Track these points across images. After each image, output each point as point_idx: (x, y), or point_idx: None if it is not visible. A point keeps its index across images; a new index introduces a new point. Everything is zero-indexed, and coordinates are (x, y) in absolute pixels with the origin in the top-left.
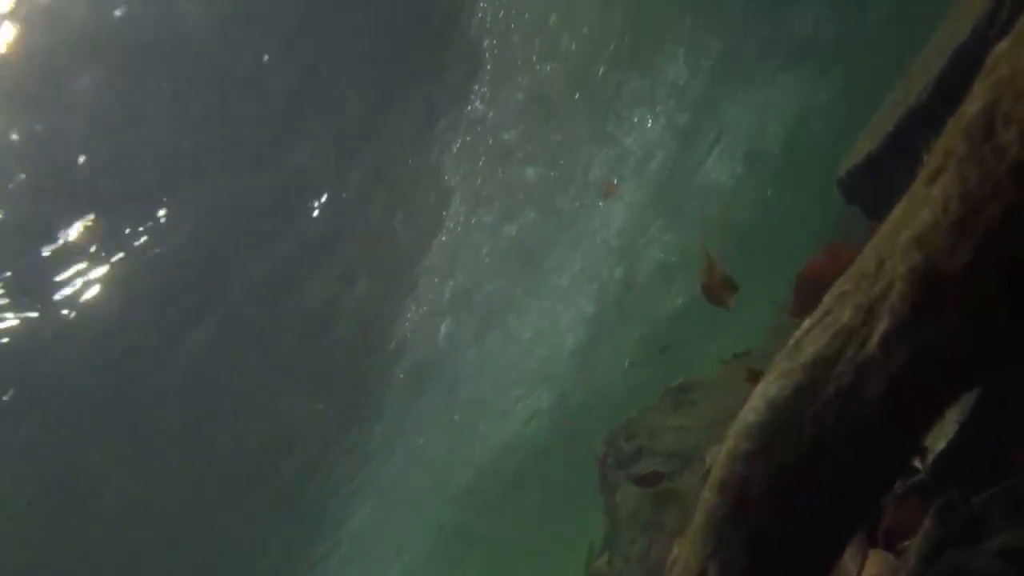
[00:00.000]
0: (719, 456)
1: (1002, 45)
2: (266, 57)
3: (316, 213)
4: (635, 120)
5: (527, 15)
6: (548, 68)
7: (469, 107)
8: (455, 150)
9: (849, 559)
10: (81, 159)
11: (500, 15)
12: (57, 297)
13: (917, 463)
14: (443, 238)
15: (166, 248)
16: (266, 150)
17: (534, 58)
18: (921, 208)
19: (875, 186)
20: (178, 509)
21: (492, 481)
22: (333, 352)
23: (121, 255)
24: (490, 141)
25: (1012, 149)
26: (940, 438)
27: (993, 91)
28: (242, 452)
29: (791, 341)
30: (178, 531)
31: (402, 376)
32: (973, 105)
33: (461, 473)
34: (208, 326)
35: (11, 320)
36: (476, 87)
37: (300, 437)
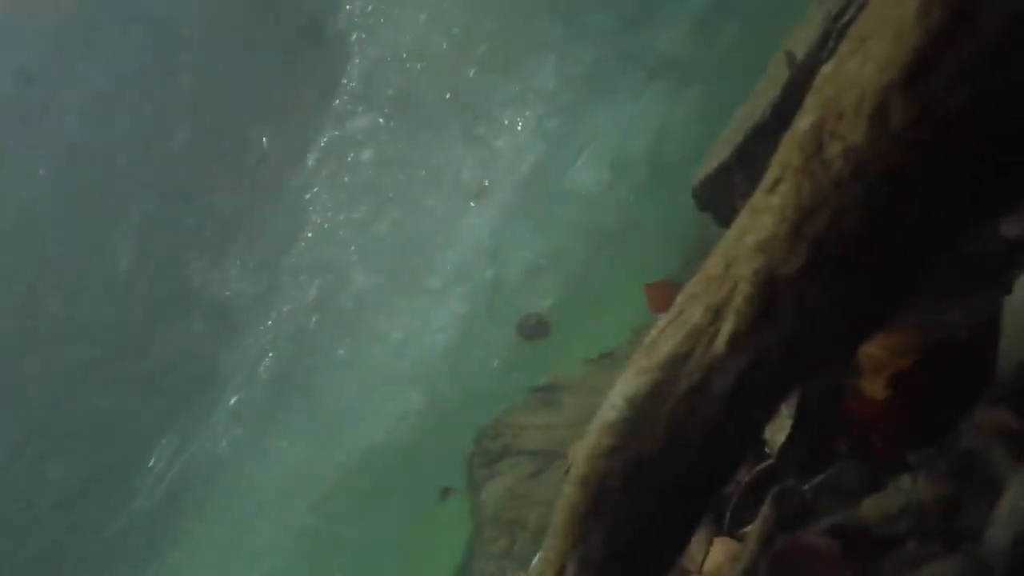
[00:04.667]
0: (580, 452)
1: (827, 67)
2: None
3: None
4: (505, 123)
5: (397, 11)
6: (419, 66)
7: (337, 101)
8: (322, 144)
9: (696, 546)
10: None
11: (368, 9)
12: None
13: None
14: (309, 234)
15: None
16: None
17: (404, 55)
18: (763, 215)
19: (724, 195)
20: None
21: (358, 484)
22: (185, 348)
23: None
24: (359, 137)
25: (837, 163)
26: (780, 431)
27: (821, 109)
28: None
29: (648, 339)
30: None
31: (264, 376)
32: (804, 121)
33: (326, 477)
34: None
35: None
36: (344, 81)
37: (146, 439)
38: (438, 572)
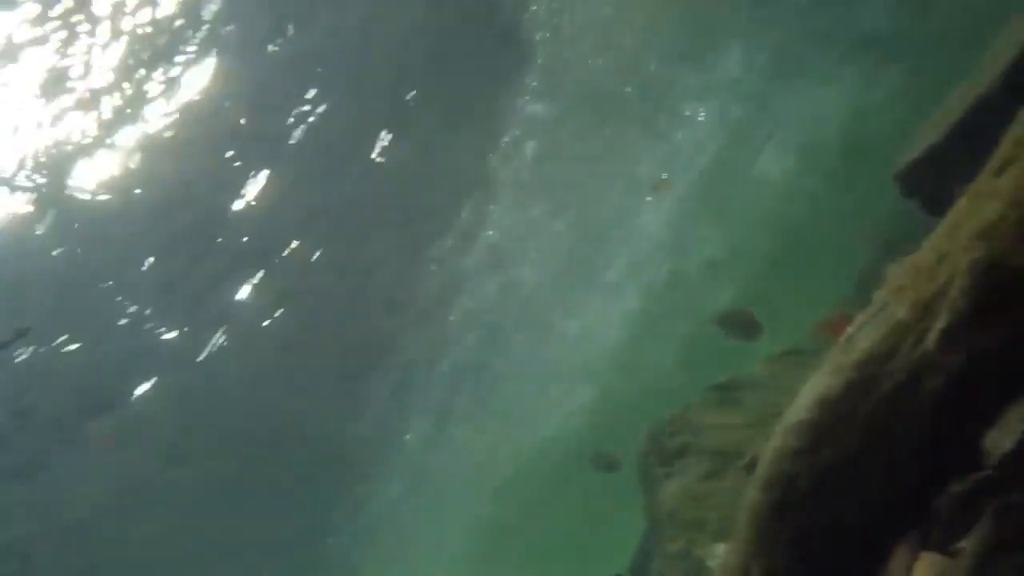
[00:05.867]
0: (766, 454)
1: None
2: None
3: None
4: (687, 114)
5: (580, 8)
6: (600, 62)
7: (518, 100)
8: (503, 144)
9: (898, 560)
10: None
11: (553, 7)
12: None
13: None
14: (490, 233)
15: None
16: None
17: (587, 51)
18: (988, 200)
19: (936, 179)
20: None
21: (533, 478)
22: (380, 343)
23: None
24: (539, 135)
25: None
26: (1006, 437)
27: None
28: (279, 438)
29: (843, 337)
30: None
31: (446, 369)
32: None
33: (502, 469)
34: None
35: None
36: (526, 81)
37: (344, 424)
38: (609, 566)
